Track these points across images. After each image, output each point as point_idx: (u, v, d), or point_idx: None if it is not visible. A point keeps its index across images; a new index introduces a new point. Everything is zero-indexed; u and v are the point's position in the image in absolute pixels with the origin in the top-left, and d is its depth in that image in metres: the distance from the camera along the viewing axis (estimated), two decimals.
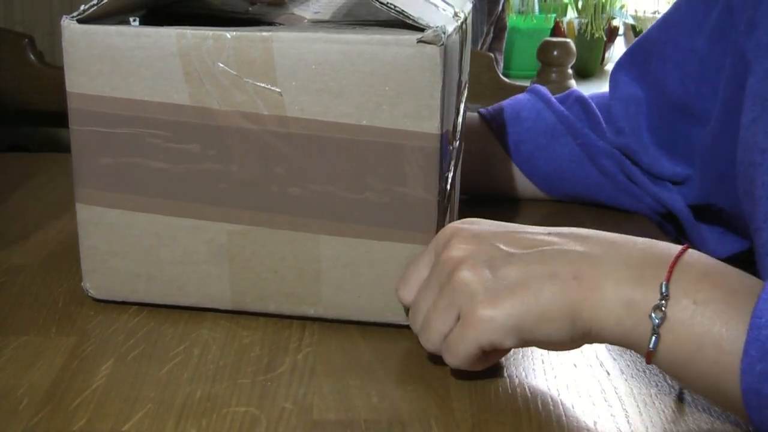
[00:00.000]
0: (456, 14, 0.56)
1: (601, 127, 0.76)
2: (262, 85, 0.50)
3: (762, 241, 0.56)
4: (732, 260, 0.68)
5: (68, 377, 0.48)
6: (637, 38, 0.78)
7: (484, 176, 0.79)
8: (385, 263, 0.52)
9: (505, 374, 0.49)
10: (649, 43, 0.75)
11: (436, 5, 0.56)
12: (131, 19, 0.54)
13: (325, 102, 0.50)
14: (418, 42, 0.48)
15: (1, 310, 0.56)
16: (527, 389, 0.48)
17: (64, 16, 0.52)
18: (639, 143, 0.73)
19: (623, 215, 0.77)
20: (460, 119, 0.59)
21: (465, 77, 0.61)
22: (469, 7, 0.63)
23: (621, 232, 0.47)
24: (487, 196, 0.79)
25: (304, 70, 0.50)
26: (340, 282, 0.53)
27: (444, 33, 0.48)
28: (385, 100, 0.50)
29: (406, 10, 0.48)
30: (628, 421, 0.45)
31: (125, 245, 0.55)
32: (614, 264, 0.44)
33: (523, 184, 0.79)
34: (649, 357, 0.43)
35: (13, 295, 0.58)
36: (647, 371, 0.49)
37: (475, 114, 0.80)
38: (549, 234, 0.47)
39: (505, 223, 0.50)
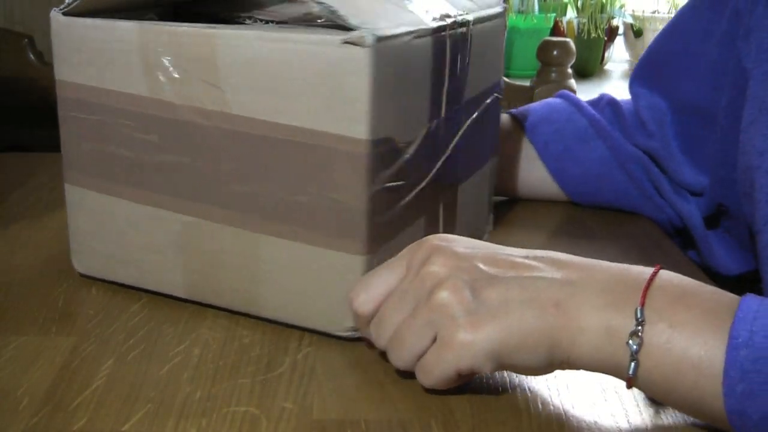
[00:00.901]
0: (444, 16, 0.54)
1: (631, 130, 0.75)
2: (208, 81, 0.51)
3: (762, 244, 0.56)
4: (743, 277, 0.67)
5: (68, 377, 0.48)
6: (644, 51, 0.77)
7: (510, 176, 0.78)
8: (321, 270, 0.51)
9: (505, 374, 0.49)
10: (658, 55, 0.74)
11: (409, 7, 0.53)
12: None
13: (264, 101, 0.49)
14: (343, 43, 0.46)
15: (1, 310, 0.56)
16: (527, 389, 0.48)
17: (54, 9, 0.55)
18: (667, 149, 0.73)
19: (626, 216, 0.76)
20: (440, 124, 0.56)
21: (471, 80, 0.60)
22: (490, 11, 0.61)
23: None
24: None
25: (244, 67, 0.49)
26: (279, 284, 0.52)
27: (373, 35, 0.46)
28: (321, 101, 0.48)
29: (338, 9, 0.47)
30: (628, 421, 0.45)
31: (102, 228, 0.57)
32: (591, 290, 0.44)
33: (549, 186, 0.78)
34: (630, 383, 0.43)
35: (13, 295, 0.58)
36: None
37: (505, 114, 0.79)
38: (527, 257, 0.46)
39: (483, 242, 0.49)
